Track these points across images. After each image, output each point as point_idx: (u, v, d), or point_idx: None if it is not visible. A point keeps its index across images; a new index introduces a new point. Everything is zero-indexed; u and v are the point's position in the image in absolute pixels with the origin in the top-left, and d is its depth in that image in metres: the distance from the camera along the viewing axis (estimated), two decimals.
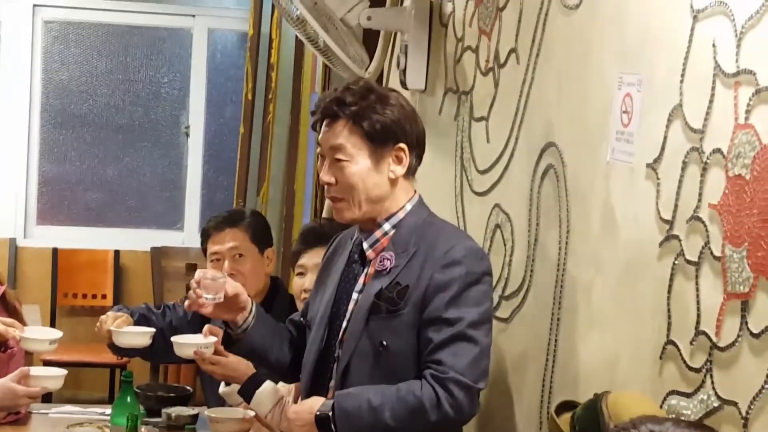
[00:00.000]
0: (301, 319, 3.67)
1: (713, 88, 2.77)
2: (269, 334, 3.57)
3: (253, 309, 3.53)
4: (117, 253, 7.79)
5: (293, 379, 3.91)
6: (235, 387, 4.07)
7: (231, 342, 3.57)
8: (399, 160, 3.39)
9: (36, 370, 4.18)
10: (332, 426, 3.25)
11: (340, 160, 3.35)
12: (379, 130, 3.35)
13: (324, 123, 3.41)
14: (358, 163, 3.35)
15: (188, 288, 3.60)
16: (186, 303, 3.48)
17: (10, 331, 4.41)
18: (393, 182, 3.40)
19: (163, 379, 6.88)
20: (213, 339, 4.02)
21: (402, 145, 3.38)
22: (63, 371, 4.32)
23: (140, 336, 4.26)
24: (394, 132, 3.37)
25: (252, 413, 4.03)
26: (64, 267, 7.71)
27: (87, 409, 4.89)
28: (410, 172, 3.45)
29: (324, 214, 4.14)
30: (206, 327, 4.07)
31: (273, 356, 3.60)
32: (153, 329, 4.36)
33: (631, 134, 3.15)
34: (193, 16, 7.92)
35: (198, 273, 3.49)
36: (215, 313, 3.50)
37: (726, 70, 2.72)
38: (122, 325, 4.39)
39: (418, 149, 3.46)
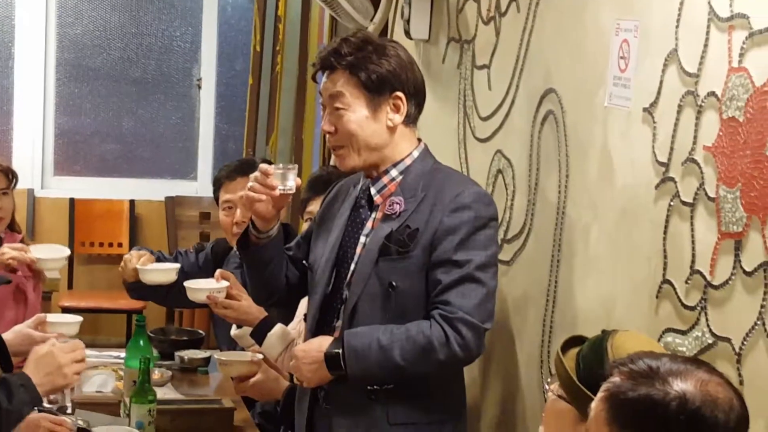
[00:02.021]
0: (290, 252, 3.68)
1: (708, 33, 2.76)
2: (280, 252, 3.56)
3: (278, 223, 3.53)
4: (132, 202, 7.80)
5: (270, 303, 3.95)
6: (247, 330, 4.07)
7: (247, 245, 3.54)
8: (396, 109, 3.38)
9: (52, 317, 4.19)
10: (342, 364, 3.27)
11: (338, 109, 3.35)
12: (376, 79, 3.35)
13: (324, 74, 3.41)
14: (356, 111, 3.35)
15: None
16: (251, 196, 3.40)
17: (26, 256, 4.45)
18: (392, 130, 3.39)
19: (178, 323, 6.91)
20: (225, 283, 4.02)
21: (399, 93, 3.38)
22: (78, 318, 4.33)
23: (166, 272, 4.26)
24: (391, 81, 3.37)
25: (260, 356, 4.03)
26: (81, 217, 7.72)
27: (102, 353, 4.91)
28: (410, 120, 3.44)
29: (332, 163, 4.12)
30: (218, 272, 4.08)
31: (274, 272, 3.57)
32: (178, 265, 4.36)
33: (628, 79, 3.14)
34: None
35: (263, 167, 3.43)
36: (267, 209, 3.44)
37: (720, 15, 2.71)
38: (147, 263, 4.41)
39: (416, 98, 3.45)
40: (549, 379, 2.72)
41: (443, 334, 3.25)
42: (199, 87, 7.94)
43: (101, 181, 7.91)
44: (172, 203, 7.65)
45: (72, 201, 7.73)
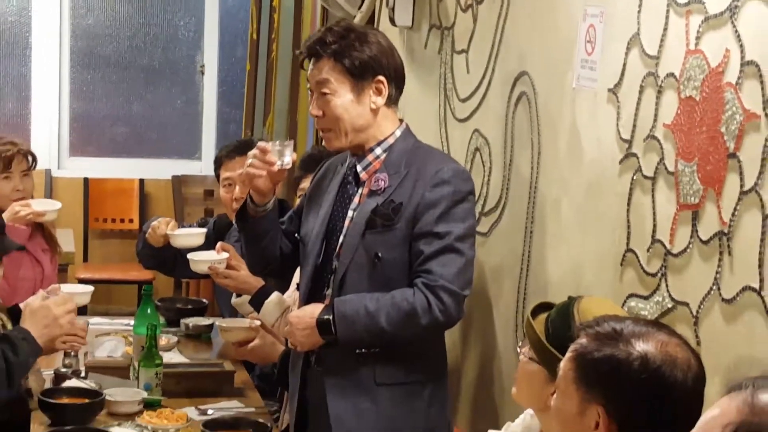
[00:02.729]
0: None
1: (667, 18, 2.76)
2: (275, 225, 3.55)
3: (274, 198, 3.52)
4: (141, 181, 7.78)
5: (266, 273, 3.96)
6: (246, 298, 4.08)
7: (245, 218, 3.52)
8: (379, 92, 3.37)
9: (66, 287, 4.17)
10: (332, 329, 3.27)
11: (325, 94, 3.34)
12: (359, 65, 3.33)
13: (311, 62, 3.40)
14: (342, 96, 3.34)
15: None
16: (252, 172, 3.38)
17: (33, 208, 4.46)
18: (375, 112, 3.38)
19: (184, 293, 6.89)
20: (225, 255, 4.03)
21: (381, 78, 3.36)
22: (90, 288, 4.32)
23: (196, 236, 4.25)
24: (373, 66, 3.36)
25: (258, 323, 4.04)
26: (94, 195, 7.71)
27: (114, 321, 4.92)
28: (391, 102, 3.43)
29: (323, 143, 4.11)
30: (219, 244, 4.09)
31: (269, 243, 3.56)
32: (205, 229, 4.34)
33: (594, 62, 3.13)
34: None
35: (261, 144, 3.43)
36: (265, 184, 3.42)
37: (678, 0, 2.70)
38: (174, 229, 4.40)
39: (397, 81, 3.43)
40: (520, 343, 2.70)
41: (426, 300, 3.25)
42: (203, 73, 7.92)
43: (113, 162, 7.88)
44: (179, 181, 7.63)
45: (86, 180, 7.71)
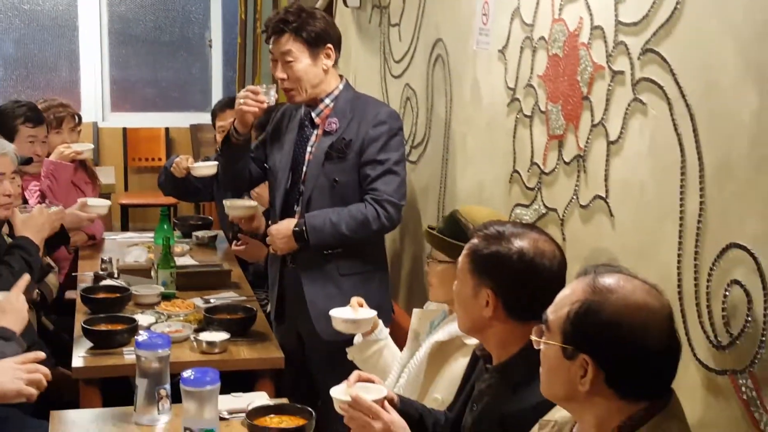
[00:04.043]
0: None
1: None
2: (248, 151, 3.51)
3: (251, 128, 3.48)
4: (167, 129, 7.70)
5: (236, 189, 4.02)
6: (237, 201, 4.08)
7: (229, 144, 3.47)
8: (328, 56, 3.34)
9: (90, 200, 4.11)
10: (305, 236, 3.27)
11: (288, 62, 3.30)
12: (314, 36, 3.30)
13: (273, 38, 3.33)
14: (302, 62, 3.30)
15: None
16: (247, 109, 3.32)
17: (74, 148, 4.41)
18: (326, 72, 3.35)
19: (200, 213, 6.85)
20: (254, 203, 4.01)
21: (329, 45, 3.33)
22: (107, 202, 4.24)
23: (211, 167, 4.17)
24: (323, 37, 3.32)
25: (255, 203, 4.00)
26: (131, 140, 7.63)
27: (143, 235, 4.88)
28: (335, 63, 3.39)
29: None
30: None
31: (242, 165, 3.52)
32: (217, 162, 4.29)
33: (488, 30, 3.11)
34: None
35: (252, 87, 3.38)
36: (251, 118, 3.37)
37: None
38: (192, 163, 4.35)
39: (338, 47, 3.40)
40: (426, 257, 2.66)
41: (375, 211, 3.26)
42: (210, 46, 7.81)
43: (144, 115, 7.78)
44: (195, 129, 7.54)
45: (124, 130, 7.63)
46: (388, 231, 3.41)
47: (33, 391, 2.26)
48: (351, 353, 2.90)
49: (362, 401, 2.10)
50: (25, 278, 2.79)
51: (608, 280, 1.76)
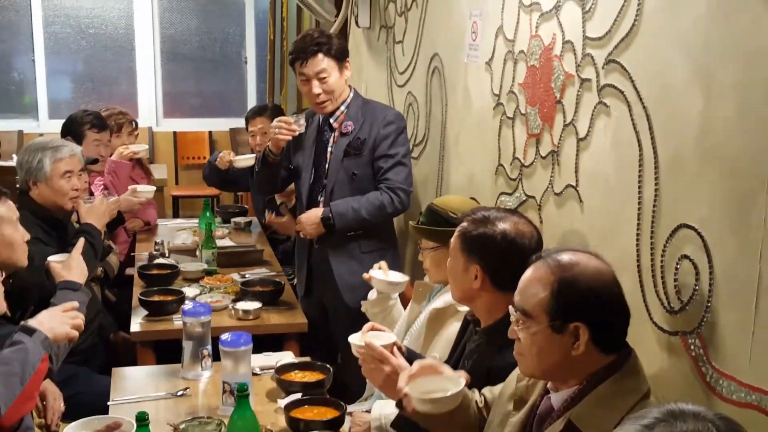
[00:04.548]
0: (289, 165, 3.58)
1: (518, 15, 2.72)
2: (282, 166, 3.48)
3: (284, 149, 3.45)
4: (210, 132, 7.69)
5: (271, 193, 4.06)
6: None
7: (267, 163, 3.46)
8: (347, 68, 3.36)
9: (139, 187, 4.12)
10: (332, 222, 3.27)
11: (323, 78, 3.28)
12: (340, 52, 3.31)
13: (306, 59, 3.27)
14: (333, 75, 3.30)
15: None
16: (281, 138, 3.33)
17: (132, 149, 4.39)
18: (345, 83, 3.36)
19: (238, 202, 6.86)
20: (253, 155, 4.10)
21: (347, 59, 3.35)
22: (153, 188, 4.23)
23: (249, 159, 4.20)
24: (344, 53, 3.35)
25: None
26: (180, 142, 7.62)
27: (189, 221, 4.89)
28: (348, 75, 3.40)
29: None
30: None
31: (277, 177, 3.50)
32: (254, 154, 4.26)
33: (477, 45, 3.08)
34: None
35: (284, 118, 3.38)
36: (284, 143, 3.37)
37: (525, 4, 2.66)
38: (234, 156, 4.39)
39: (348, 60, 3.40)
40: (419, 248, 2.62)
41: (389, 197, 3.28)
42: (246, 63, 7.80)
43: (191, 121, 7.77)
44: (233, 132, 7.53)
45: (174, 133, 7.64)
46: (400, 213, 3.41)
47: (76, 334, 2.26)
48: (365, 306, 2.89)
49: (374, 347, 2.07)
50: (81, 241, 2.79)
51: (565, 257, 1.75)
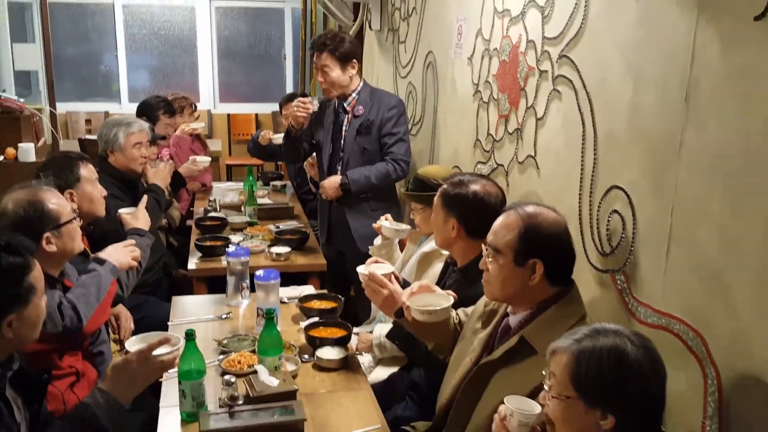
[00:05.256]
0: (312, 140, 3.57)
1: (493, 20, 2.69)
2: (302, 139, 3.47)
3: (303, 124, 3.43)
4: (256, 114, 7.67)
5: (293, 161, 3.92)
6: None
7: (290, 137, 3.43)
8: (353, 68, 3.30)
9: (198, 158, 4.10)
10: (348, 186, 3.27)
11: (325, 71, 3.26)
12: (343, 55, 3.26)
13: (316, 53, 3.27)
14: (334, 71, 3.26)
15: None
16: (299, 114, 3.30)
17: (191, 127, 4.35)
18: (350, 77, 3.31)
19: (275, 169, 6.88)
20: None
21: (354, 60, 3.30)
22: (208, 158, 4.19)
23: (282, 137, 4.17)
24: (349, 55, 3.28)
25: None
26: (233, 122, 7.60)
27: (236, 184, 4.90)
28: (358, 71, 3.35)
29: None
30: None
31: (300, 147, 3.47)
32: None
33: (461, 44, 3.06)
34: (283, 2, 7.63)
35: (302, 99, 3.33)
36: (304, 120, 3.33)
37: (498, 10, 2.63)
38: (273, 134, 4.34)
39: (359, 59, 3.36)
40: (411, 212, 2.59)
41: (393, 167, 3.25)
42: (284, 59, 7.75)
43: (241, 105, 7.75)
44: (275, 114, 7.47)
45: (228, 115, 7.61)
46: (401, 179, 3.39)
47: (135, 263, 2.29)
48: (372, 249, 2.90)
49: (375, 275, 2.04)
50: (146, 197, 2.82)
51: (530, 209, 1.77)
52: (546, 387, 1.40)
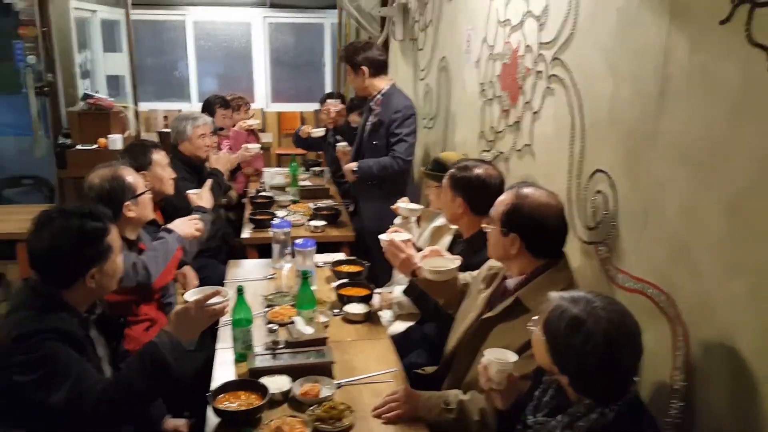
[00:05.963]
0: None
1: (497, 29, 2.62)
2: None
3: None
4: (301, 112, 7.63)
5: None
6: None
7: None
8: (363, 73, 3.18)
9: (249, 146, 3.96)
10: (357, 172, 3.21)
11: (348, 76, 3.26)
12: (353, 64, 3.20)
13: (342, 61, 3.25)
14: (350, 75, 3.25)
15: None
16: (322, 118, 3.31)
17: (248, 123, 4.26)
18: (365, 81, 3.22)
19: (316, 158, 6.85)
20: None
21: (362, 67, 3.18)
22: (258, 146, 4.00)
23: (320, 132, 4.05)
24: (359, 64, 3.19)
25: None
26: (282, 118, 7.60)
27: (284, 169, 4.85)
28: (377, 74, 3.21)
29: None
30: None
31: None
32: (324, 128, 4.10)
33: (470, 50, 2.99)
34: (324, 17, 7.56)
35: (330, 101, 3.33)
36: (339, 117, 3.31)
37: (500, 20, 2.56)
38: (311, 129, 4.27)
39: (375, 66, 3.22)
40: (427, 189, 2.54)
41: (392, 162, 3.16)
42: (324, 66, 7.69)
43: (289, 104, 7.67)
44: (316, 112, 7.45)
45: (279, 113, 7.61)
46: (399, 173, 3.24)
47: (198, 233, 2.31)
48: (393, 227, 2.87)
49: (395, 241, 2.01)
50: (209, 181, 2.81)
51: (526, 190, 1.73)
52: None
